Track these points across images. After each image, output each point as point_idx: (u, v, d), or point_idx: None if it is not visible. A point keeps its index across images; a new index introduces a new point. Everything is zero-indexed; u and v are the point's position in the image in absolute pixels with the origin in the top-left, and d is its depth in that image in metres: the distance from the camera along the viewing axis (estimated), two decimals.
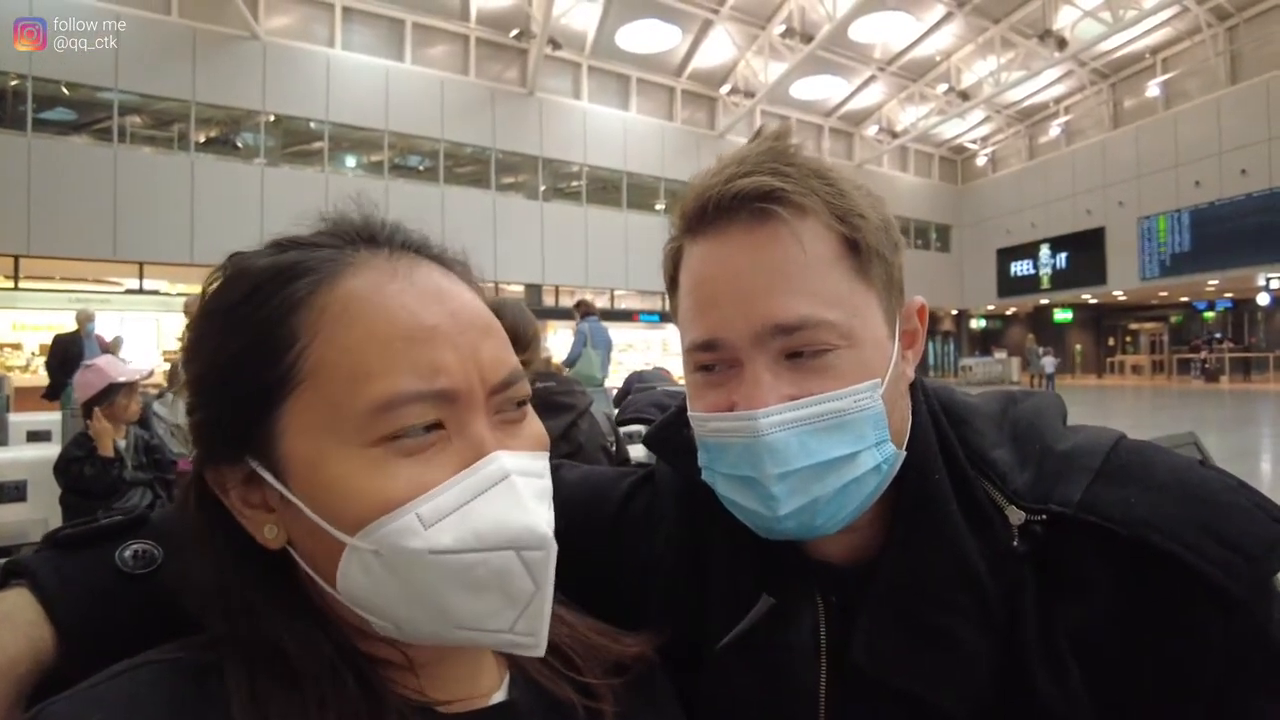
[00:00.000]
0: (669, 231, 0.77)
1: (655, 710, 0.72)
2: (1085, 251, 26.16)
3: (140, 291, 16.46)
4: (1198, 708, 0.63)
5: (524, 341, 2.38)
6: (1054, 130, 27.79)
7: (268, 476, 0.53)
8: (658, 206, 23.43)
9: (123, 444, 3.50)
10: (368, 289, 0.53)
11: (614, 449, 4.46)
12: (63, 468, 3.32)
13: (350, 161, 19.03)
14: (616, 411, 3.81)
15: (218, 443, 0.55)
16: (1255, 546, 0.62)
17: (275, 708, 0.50)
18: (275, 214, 16.73)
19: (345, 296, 0.53)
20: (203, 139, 16.89)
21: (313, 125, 18.12)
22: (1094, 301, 29.00)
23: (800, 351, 0.66)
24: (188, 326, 0.59)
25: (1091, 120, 26.50)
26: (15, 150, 14.58)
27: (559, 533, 0.57)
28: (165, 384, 7.90)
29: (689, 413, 0.75)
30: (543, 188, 21.40)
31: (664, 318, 23.22)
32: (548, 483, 0.58)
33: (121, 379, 3.46)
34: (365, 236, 0.59)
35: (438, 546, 0.49)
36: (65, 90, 15.38)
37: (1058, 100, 27.38)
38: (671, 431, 0.85)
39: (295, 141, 18.12)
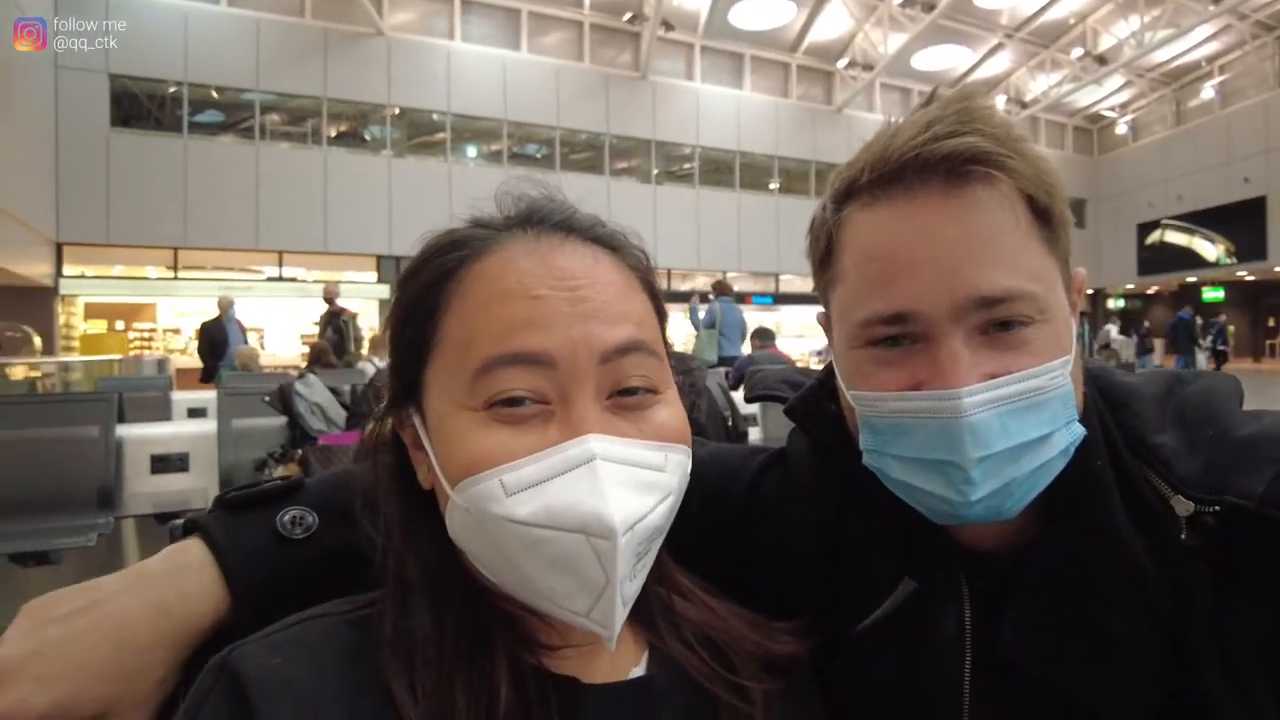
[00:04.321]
0: (825, 204, 0.73)
1: (800, 713, 0.70)
2: (1241, 223, 23.95)
3: (280, 279, 17.56)
4: None
5: None
6: (1207, 92, 25.46)
7: (418, 425, 0.60)
8: (771, 186, 23.05)
9: None
10: (498, 265, 0.58)
11: (731, 424, 4.47)
12: None
13: (471, 151, 19.59)
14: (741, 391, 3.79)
15: (396, 389, 0.62)
16: None
17: (417, 638, 0.56)
18: (401, 203, 17.50)
19: (479, 271, 0.58)
20: (334, 133, 17.79)
21: (435, 117, 18.74)
22: (1251, 279, 26.52)
23: (997, 326, 0.63)
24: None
25: (1252, 79, 24.07)
26: (173, 151, 15.84)
27: (690, 513, 0.59)
28: (305, 365, 8.49)
29: (852, 392, 0.71)
30: (655, 171, 21.39)
31: (777, 300, 22.88)
32: (656, 476, 0.56)
33: None
34: (522, 218, 0.62)
35: (514, 516, 0.51)
36: (214, 94, 16.53)
37: (1210, 59, 24.99)
38: (814, 405, 0.83)
39: (419, 133, 18.81)
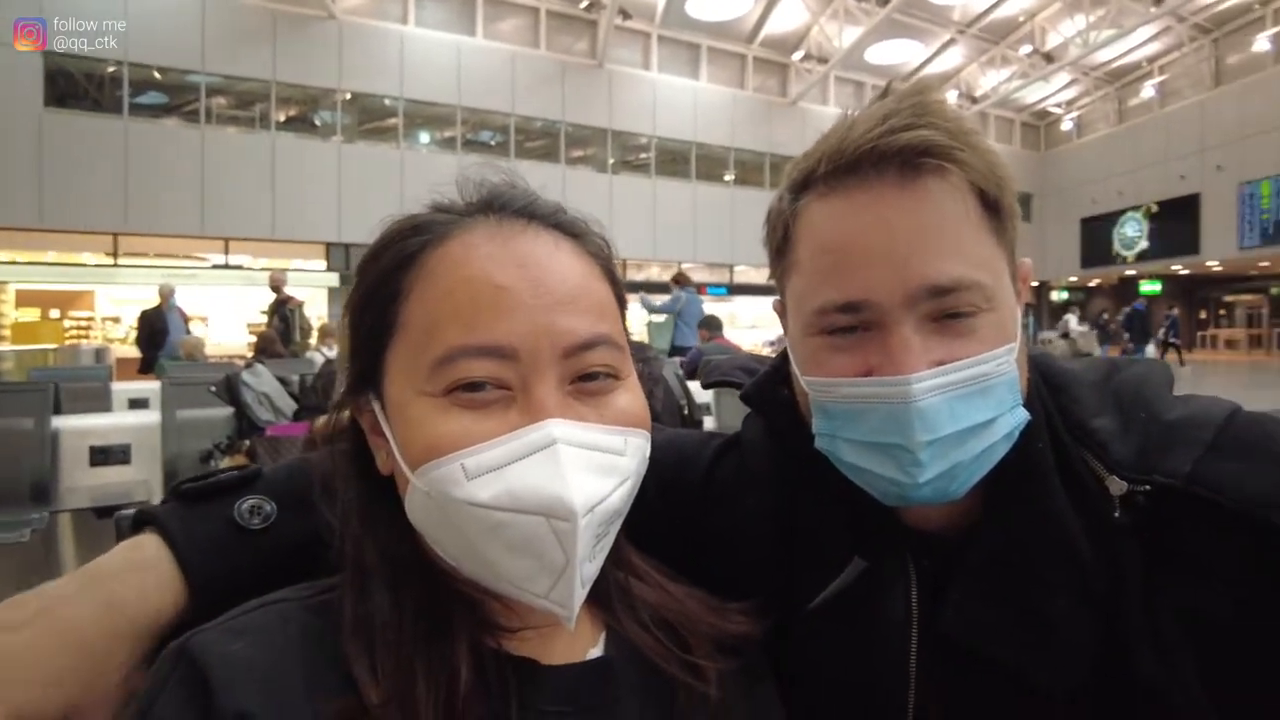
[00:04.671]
0: (782, 194, 0.74)
1: (755, 704, 0.72)
2: (1177, 219, 24.81)
3: (226, 267, 17.11)
4: None
5: None
6: (1147, 92, 26.31)
7: (377, 410, 0.60)
8: (726, 177, 23.17)
9: None
10: (460, 251, 0.58)
11: (687, 413, 4.51)
12: None
13: (424, 138, 19.29)
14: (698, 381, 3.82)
15: (354, 374, 0.63)
16: None
17: (377, 622, 0.56)
18: (351, 190, 17.19)
19: (441, 256, 0.58)
20: (283, 118, 17.35)
21: (387, 102, 18.41)
22: (1185, 273, 27.52)
23: (946, 314, 0.65)
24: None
25: (1190, 80, 24.92)
26: (113, 133, 15.27)
27: (647, 497, 0.60)
28: (252, 355, 8.32)
29: (807, 378, 0.72)
30: (611, 160, 21.36)
31: (731, 290, 23.04)
32: (616, 459, 0.57)
33: None
34: (484, 204, 0.62)
35: (475, 499, 0.52)
36: (157, 75, 15.97)
37: (1151, 59, 25.80)
38: (769, 390, 0.85)
39: (371, 119, 18.45)
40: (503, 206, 0.62)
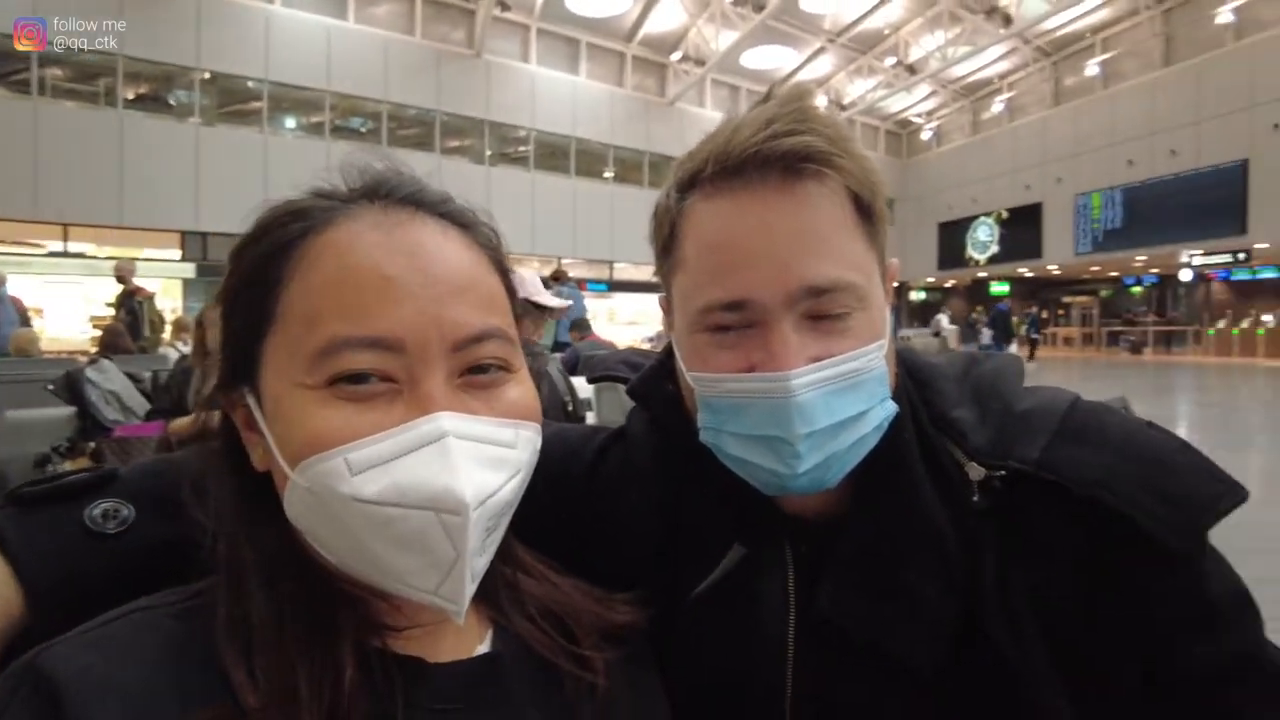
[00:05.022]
0: (669, 192, 0.75)
1: (640, 692, 0.72)
2: (1023, 226, 26.77)
3: (65, 254, 15.84)
4: (1141, 654, 0.68)
5: None
6: (997, 106, 28.22)
7: (252, 404, 0.57)
8: (606, 174, 23.29)
9: None
10: (344, 238, 0.55)
11: (571, 409, 4.51)
12: None
13: (290, 123, 18.46)
14: (584, 375, 3.85)
15: (226, 369, 0.59)
16: (1196, 503, 0.65)
17: (254, 624, 0.53)
18: (211, 175, 16.27)
19: (324, 244, 0.55)
20: (132, 95, 16.19)
21: (251, 84, 17.51)
22: (1030, 275, 29.77)
23: (823, 313, 0.67)
24: None
25: (1034, 97, 26.97)
26: None
27: (533, 491, 0.60)
28: (97, 350, 7.75)
29: (692, 374, 0.74)
30: (489, 152, 21.09)
31: (611, 287, 23.16)
32: (507, 452, 0.56)
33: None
34: (368, 191, 0.60)
35: (360, 495, 0.50)
36: None
37: (1002, 76, 27.79)
38: (654, 385, 0.86)
39: (232, 101, 17.51)
40: (388, 193, 0.60)
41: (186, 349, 7.04)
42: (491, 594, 0.67)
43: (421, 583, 0.53)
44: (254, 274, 0.57)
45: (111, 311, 9.36)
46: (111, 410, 4.06)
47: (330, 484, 0.51)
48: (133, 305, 9.12)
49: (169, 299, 16.42)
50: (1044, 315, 31.54)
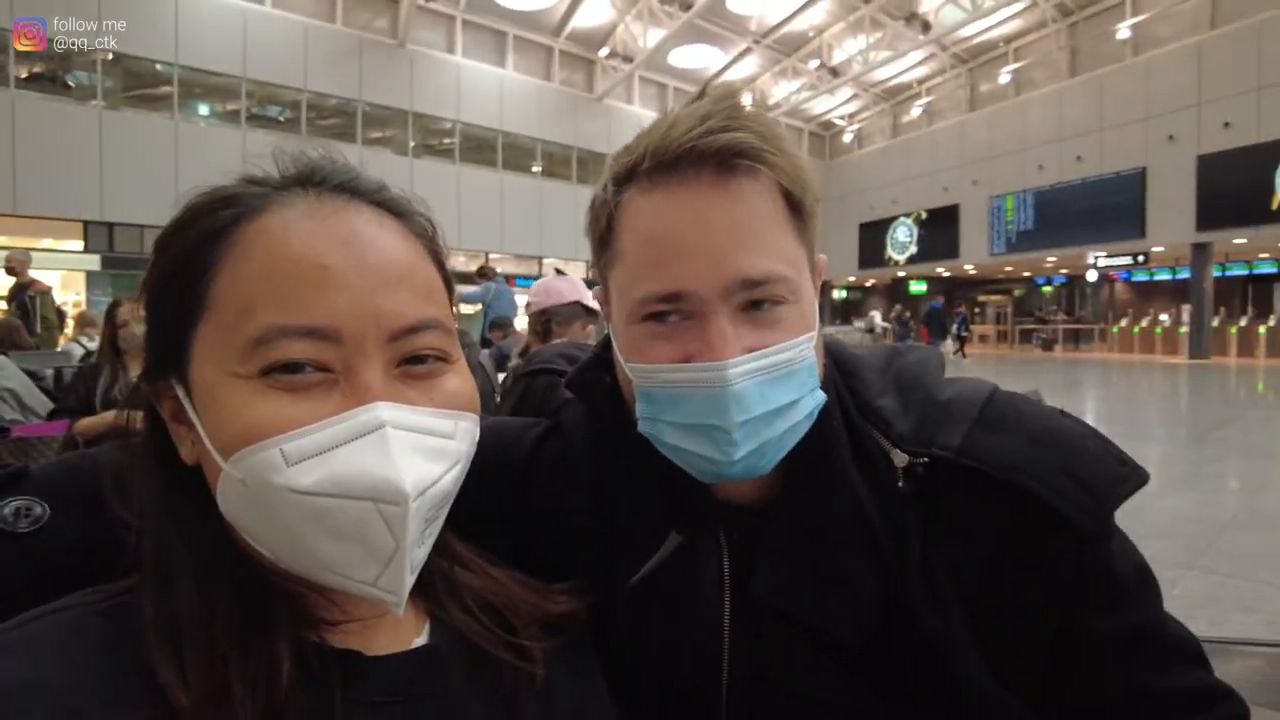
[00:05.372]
0: (605, 185, 0.76)
1: (579, 679, 0.73)
2: (941, 227, 27.65)
3: None
4: (1051, 626, 0.72)
5: None
6: (916, 110, 28.99)
7: (180, 395, 0.55)
8: (534, 169, 23.12)
9: None
10: (278, 226, 0.54)
11: (499, 402, 4.49)
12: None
13: (203, 109, 17.78)
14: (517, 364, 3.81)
15: (152, 360, 0.57)
16: (1104, 486, 0.70)
17: (184, 621, 0.52)
18: (116, 162, 15.57)
19: (257, 231, 0.54)
20: (24, 74, 15.30)
21: (159, 67, 16.75)
22: (947, 274, 30.77)
23: (756, 305, 0.69)
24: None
25: (951, 103, 27.86)
26: None
27: (469, 484, 0.60)
28: None
29: (630, 365, 0.75)
30: (412, 144, 20.73)
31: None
32: (445, 443, 0.56)
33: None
34: (301, 178, 0.59)
35: (297, 486, 0.49)
36: None
37: (920, 82, 28.59)
38: (592, 377, 0.87)
39: (139, 84, 16.72)
40: (322, 181, 0.59)
41: (93, 344, 6.70)
42: (429, 587, 0.67)
43: (360, 574, 0.53)
44: (182, 262, 0.55)
45: (3, 306, 8.81)
46: (8, 409, 3.83)
47: (265, 475, 0.50)
48: (24, 300, 8.60)
49: (71, 292, 15.65)
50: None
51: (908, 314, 25.82)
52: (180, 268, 0.55)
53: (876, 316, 24.88)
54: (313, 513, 0.50)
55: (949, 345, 22.69)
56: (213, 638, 0.51)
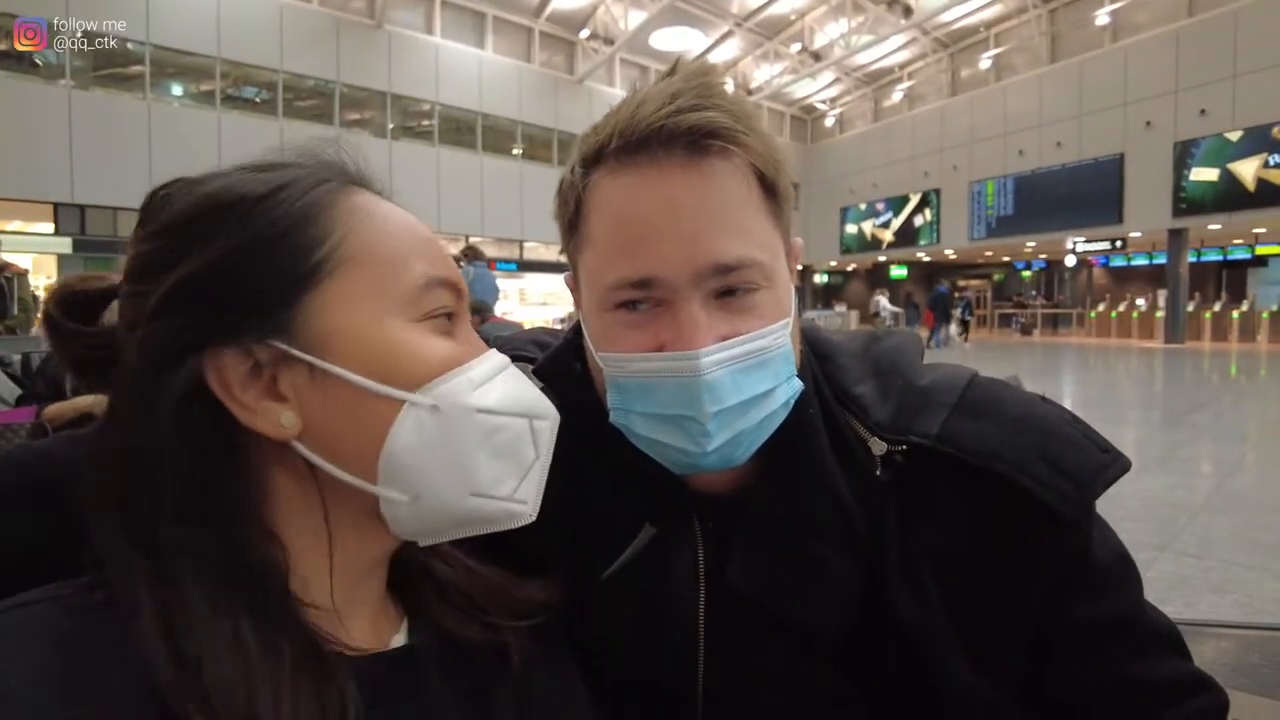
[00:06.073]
0: (573, 168, 0.73)
1: (553, 671, 0.73)
2: (921, 211, 27.77)
3: None
4: (1030, 614, 0.71)
5: None
6: (897, 95, 29.02)
7: (304, 356, 0.53)
8: (515, 151, 22.95)
9: None
10: (368, 202, 0.60)
11: None
12: None
13: (176, 89, 17.44)
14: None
15: (218, 334, 0.53)
16: (1085, 474, 0.69)
17: (194, 619, 0.49)
18: (87, 143, 15.27)
19: (359, 203, 0.59)
20: None
21: (131, 46, 16.35)
22: (927, 259, 30.93)
23: (730, 291, 0.67)
24: (151, 236, 0.56)
25: (932, 87, 27.88)
26: None
27: None
28: None
29: (601, 354, 0.73)
30: (391, 125, 20.48)
31: (521, 267, 22.90)
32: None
33: None
34: (337, 172, 0.62)
35: (483, 405, 0.57)
36: None
37: (902, 66, 28.57)
38: (562, 364, 0.85)
39: (110, 64, 16.35)
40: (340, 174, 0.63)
41: None
42: (407, 582, 0.67)
43: (503, 490, 0.58)
44: (288, 229, 0.55)
45: None
46: None
47: (458, 397, 0.55)
48: (0, 282, 8.45)
49: (42, 276, 15.38)
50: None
51: (914, 297, 25.96)
52: (287, 234, 0.55)
53: (884, 301, 24.43)
54: (486, 430, 0.57)
55: (953, 329, 22.84)
56: (238, 643, 0.49)
